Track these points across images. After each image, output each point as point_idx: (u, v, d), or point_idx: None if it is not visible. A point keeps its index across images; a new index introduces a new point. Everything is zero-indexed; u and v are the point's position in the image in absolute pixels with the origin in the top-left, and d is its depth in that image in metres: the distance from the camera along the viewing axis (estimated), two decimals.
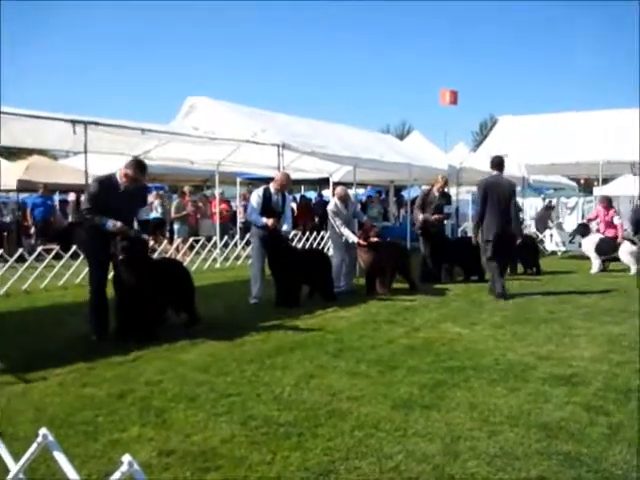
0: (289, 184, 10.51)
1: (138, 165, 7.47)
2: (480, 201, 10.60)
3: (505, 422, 4.53)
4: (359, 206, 12.62)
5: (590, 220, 16.02)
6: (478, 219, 10.61)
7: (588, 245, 14.78)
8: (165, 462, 3.87)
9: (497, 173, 10.82)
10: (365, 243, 10.82)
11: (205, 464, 3.84)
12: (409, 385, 5.43)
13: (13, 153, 32.35)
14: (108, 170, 7.63)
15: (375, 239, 10.85)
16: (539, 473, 3.72)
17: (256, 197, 9.99)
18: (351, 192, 13.62)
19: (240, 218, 21.41)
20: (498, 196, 10.43)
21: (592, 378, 5.64)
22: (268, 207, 9.86)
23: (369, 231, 10.96)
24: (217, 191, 19.35)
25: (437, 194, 12.90)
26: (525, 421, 4.55)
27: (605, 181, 22.39)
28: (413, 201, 16.82)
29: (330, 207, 11.33)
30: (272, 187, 10.03)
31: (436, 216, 12.71)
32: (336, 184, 21.10)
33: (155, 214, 17.74)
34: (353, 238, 10.94)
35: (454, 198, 20.39)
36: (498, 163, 10.92)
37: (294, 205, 23.96)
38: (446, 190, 13.62)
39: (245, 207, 20.79)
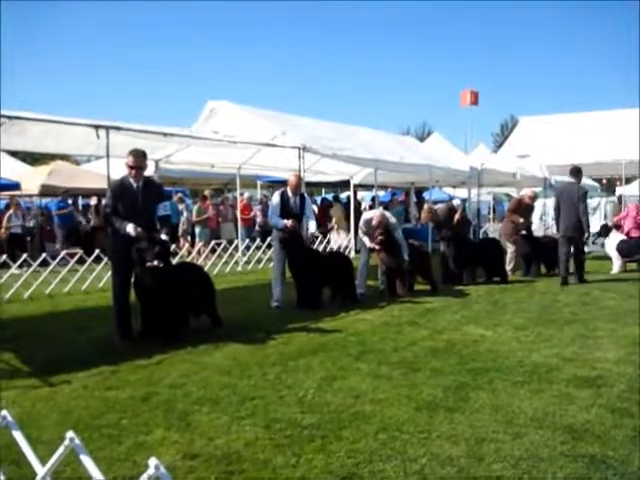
0: (300, 185, 10.40)
1: (133, 153, 7.51)
2: (554, 204, 12.89)
3: (530, 424, 4.50)
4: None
5: (620, 219, 15.94)
6: (556, 218, 12.77)
7: (610, 246, 14.68)
8: (189, 465, 3.89)
9: (573, 180, 12.60)
10: (378, 246, 10.74)
11: (229, 467, 3.85)
12: (432, 387, 5.41)
13: (36, 159, 32.72)
14: None
15: (380, 237, 10.69)
16: (565, 476, 3.70)
17: (274, 200, 10.07)
18: (371, 194, 13.65)
19: (258, 221, 21.48)
20: (569, 200, 12.25)
21: (616, 380, 5.59)
22: (286, 210, 9.89)
23: (374, 231, 10.81)
24: (238, 194, 19.40)
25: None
26: (550, 423, 4.51)
27: (628, 181, 22.18)
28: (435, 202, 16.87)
29: (364, 219, 11.26)
30: (288, 190, 10.08)
31: (457, 217, 12.84)
32: (357, 186, 21.26)
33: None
34: (371, 244, 10.89)
35: (474, 199, 20.35)
36: (574, 172, 12.70)
37: (315, 207, 23.98)
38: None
39: (262, 211, 20.93)
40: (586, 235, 12.47)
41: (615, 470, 3.76)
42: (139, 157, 7.51)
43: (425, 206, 14.01)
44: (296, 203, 10.02)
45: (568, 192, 12.52)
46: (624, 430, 4.37)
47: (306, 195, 10.53)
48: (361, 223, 11.26)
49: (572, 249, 12.43)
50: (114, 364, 6.32)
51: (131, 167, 7.41)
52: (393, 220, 11.07)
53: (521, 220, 13.78)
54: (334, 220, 20.65)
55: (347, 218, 21.93)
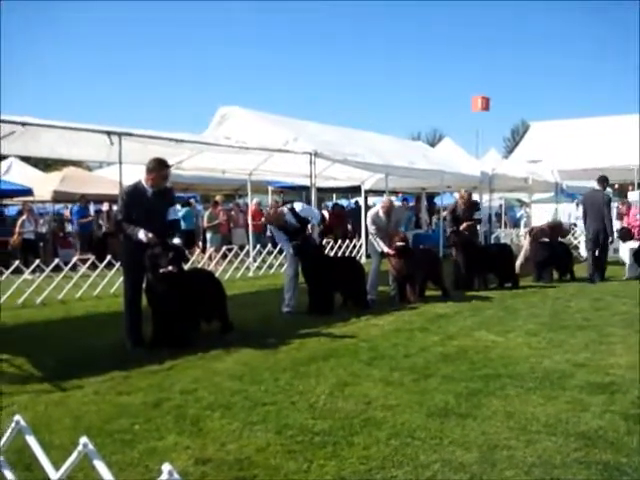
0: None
1: (159, 164, 7.50)
2: (582, 210, 14.13)
3: (542, 431, 4.47)
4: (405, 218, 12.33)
5: (632, 229, 16.01)
6: (584, 223, 13.98)
7: (625, 251, 14.59)
8: (201, 471, 3.89)
9: (598, 188, 13.74)
10: (392, 252, 10.78)
11: (241, 473, 3.85)
12: (444, 393, 5.39)
13: (48, 165, 32.91)
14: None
15: (400, 243, 10.75)
16: None
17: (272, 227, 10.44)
18: (381, 199, 13.70)
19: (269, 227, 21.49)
20: (593, 206, 13.51)
21: (629, 386, 5.55)
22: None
23: (394, 237, 10.89)
24: (249, 200, 19.43)
25: (463, 207, 13.43)
26: (563, 430, 4.49)
27: None
28: (445, 208, 16.84)
29: (371, 214, 11.36)
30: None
31: (465, 224, 12.88)
32: (368, 192, 21.27)
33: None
34: (383, 247, 10.92)
35: (486, 205, 20.30)
36: (600, 180, 13.83)
37: (326, 213, 23.98)
38: (472, 199, 14.40)
39: None
40: (610, 239, 13.68)
41: (629, 477, 3.74)
42: (163, 179, 7.54)
43: (463, 191, 13.90)
44: (291, 220, 10.13)
45: (593, 199, 13.74)
46: (638, 437, 4.33)
47: (295, 204, 10.64)
48: (369, 221, 11.25)
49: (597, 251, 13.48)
50: (126, 369, 6.32)
51: (153, 179, 7.42)
52: (398, 203, 11.17)
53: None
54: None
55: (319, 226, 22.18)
